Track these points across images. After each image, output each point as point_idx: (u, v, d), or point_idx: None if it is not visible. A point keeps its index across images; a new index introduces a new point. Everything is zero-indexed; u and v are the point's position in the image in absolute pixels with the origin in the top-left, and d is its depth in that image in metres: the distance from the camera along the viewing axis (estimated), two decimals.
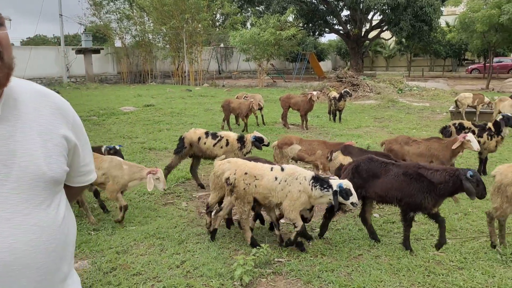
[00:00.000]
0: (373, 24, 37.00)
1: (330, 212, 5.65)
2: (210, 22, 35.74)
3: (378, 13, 34.94)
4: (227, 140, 7.61)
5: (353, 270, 4.86)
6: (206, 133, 7.75)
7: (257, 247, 5.23)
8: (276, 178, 5.12)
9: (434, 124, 14.31)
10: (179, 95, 22.74)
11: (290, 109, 14.46)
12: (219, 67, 41.51)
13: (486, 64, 34.54)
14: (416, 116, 16.30)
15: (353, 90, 20.72)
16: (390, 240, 5.58)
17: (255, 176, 5.21)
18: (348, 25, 36.69)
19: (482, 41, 27.64)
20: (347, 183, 4.94)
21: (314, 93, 14.04)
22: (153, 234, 5.83)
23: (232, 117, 14.22)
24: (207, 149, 7.65)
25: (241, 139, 7.64)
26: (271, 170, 5.18)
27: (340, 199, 4.88)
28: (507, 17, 23.19)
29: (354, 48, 36.38)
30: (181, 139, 7.87)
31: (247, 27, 35.65)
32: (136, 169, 6.11)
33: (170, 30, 31.79)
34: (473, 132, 8.72)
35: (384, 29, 35.53)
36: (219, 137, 7.67)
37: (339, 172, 6.55)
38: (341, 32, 37.48)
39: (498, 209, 5.27)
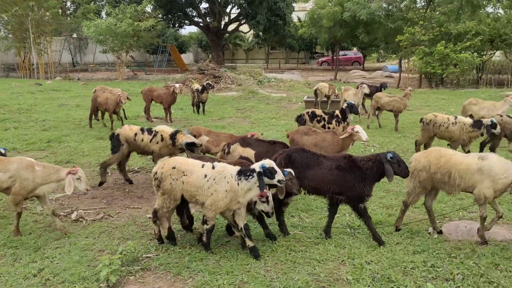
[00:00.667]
0: (231, 17, 37.95)
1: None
2: (60, 10, 33.01)
3: (236, 7, 35.94)
4: (161, 135, 7.48)
5: (221, 257, 5.00)
6: (142, 129, 7.66)
7: (173, 241, 5.25)
8: (205, 176, 4.87)
9: (291, 113, 15.30)
10: (27, 90, 20.65)
11: (153, 102, 14.15)
12: (72, 59, 38.62)
13: (334, 57, 37.91)
14: (275, 106, 17.24)
15: (215, 82, 21.08)
16: (255, 224, 5.82)
17: (183, 172, 4.98)
18: (208, 18, 37.09)
19: (329, 36, 30.26)
20: (269, 162, 4.81)
21: (177, 85, 13.96)
22: (3, 243, 5.27)
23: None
24: (145, 145, 7.56)
25: (173, 136, 7.43)
26: (202, 167, 4.96)
27: (266, 180, 4.75)
28: (348, 14, 25.72)
29: (214, 41, 36.94)
30: (115, 137, 7.55)
31: (103, 17, 33.77)
32: (52, 170, 5.47)
33: (13, 18, 28.58)
34: (324, 119, 9.59)
35: (242, 22, 36.70)
36: (154, 132, 7.57)
37: None
38: (201, 24, 37.71)
39: (411, 194, 5.75)
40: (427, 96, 19.63)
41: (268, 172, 4.72)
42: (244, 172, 4.78)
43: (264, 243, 5.30)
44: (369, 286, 4.41)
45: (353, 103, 9.87)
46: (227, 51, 48.17)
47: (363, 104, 15.09)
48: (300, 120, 9.60)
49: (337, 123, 9.60)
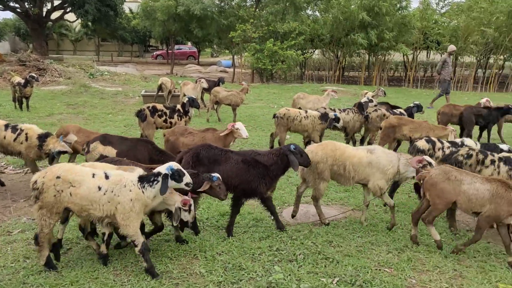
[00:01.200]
0: (55, 4, 34.64)
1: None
2: None
3: None
4: (26, 134, 6.72)
5: (63, 267, 4.57)
6: (6, 126, 6.85)
7: (51, 269, 4.43)
8: (99, 188, 4.23)
9: (129, 108, 14.72)
10: None
11: None
12: None
13: (169, 51, 37.61)
14: (111, 101, 16.37)
15: (39, 75, 19.01)
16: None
17: (70, 182, 4.20)
18: (26, 3, 33.18)
19: (163, 29, 29.88)
20: (176, 164, 4.44)
21: None
22: None
23: None
24: (8, 144, 6.75)
25: (41, 138, 6.69)
26: (93, 176, 4.28)
27: (173, 183, 4.37)
28: (183, 8, 25.75)
29: (36, 30, 33.25)
30: None
31: None
32: None
33: None
34: (165, 114, 9.45)
35: (67, 10, 33.81)
36: (18, 131, 6.77)
37: None
38: (18, 10, 33.56)
39: (315, 187, 5.86)
40: (260, 91, 20.87)
41: (176, 175, 4.37)
42: (147, 179, 4.35)
43: (111, 249, 5.00)
44: (221, 276, 4.51)
45: (194, 97, 9.95)
46: (51, 41, 43.94)
47: (202, 98, 15.32)
48: (140, 115, 9.28)
49: (179, 118, 9.56)
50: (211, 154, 5.48)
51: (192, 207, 4.68)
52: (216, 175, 4.91)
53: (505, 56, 27.15)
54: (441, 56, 30.96)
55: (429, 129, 8.63)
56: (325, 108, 10.35)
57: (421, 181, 5.30)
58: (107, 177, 4.31)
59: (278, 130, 9.70)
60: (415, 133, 8.56)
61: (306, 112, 9.58)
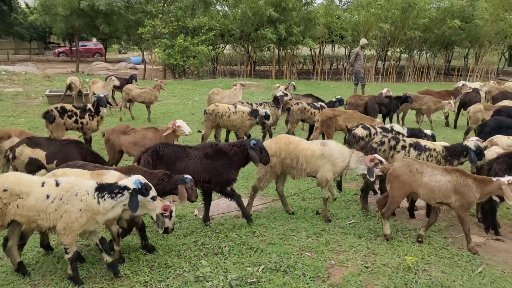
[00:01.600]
0: None
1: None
2: None
3: None
4: None
5: None
6: None
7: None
8: (48, 196, 3.95)
9: (32, 110, 13.79)
10: None
11: None
12: None
13: (73, 48, 35.63)
14: (11, 103, 15.18)
15: None
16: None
17: (18, 195, 3.94)
18: None
19: (66, 25, 28.26)
20: (142, 178, 4.17)
21: None
22: None
23: None
24: None
25: None
26: (42, 185, 4.00)
27: (140, 197, 4.11)
28: (87, 3, 24.52)
29: None
30: None
31: None
32: None
33: None
34: (76, 114, 9.01)
35: None
36: None
37: (29, 168, 5.68)
38: None
39: (262, 179, 5.97)
40: (173, 87, 20.58)
41: (144, 189, 4.12)
42: (110, 189, 4.07)
43: (31, 260, 4.72)
44: (148, 276, 4.47)
45: (102, 95, 9.52)
46: None
47: (113, 97, 14.79)
48: (48, 116, 8.75)
49: (90, 117, 9.16)
50: (171, 151, 5.50)
51: (173, 213, 4.45)
52: (189, 176, 4.85)
53: (400, 48, 29.36)
54: (345, 49, 32.80)
55: (360, 119, 9.15)
56: (242, 103, 10.55)
57: (385, 174, 5.54)
58: (57, 184, 4.05)
59: (205, 125, 9.73)
60: (348, 123, 9.00)
61: (235, 107, 9.60)
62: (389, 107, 11.76)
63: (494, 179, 5.06)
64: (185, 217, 6.05)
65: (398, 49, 29.23)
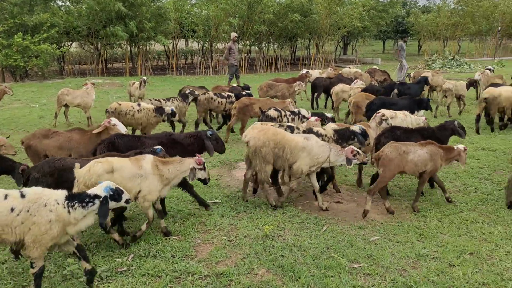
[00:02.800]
0: None
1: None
2: None
3: None
4: None
5: None
6: None
7: None
8: (12, 210, 3.70)
9: None
10: None
11: None
12: None
13: None
14: None
15: None
16: None
17: None
18: None
19: None
20: (112, 183, 4.07)
21: None
22: None
23: None
24: None
25: None
26: (5, 198, 3.73)
27: (113, 203, 4.02)
28: None
29: None
30: None
31: None
32: None
33: None
34: None
35: None
36: None
37: None
38: None
39: (261, 171, 6.00)
40: (16, 90, 18.71)
41: (116, 194, 4.01)
42: (80, 198, 3.88)
43: None
44: (10, 283, 4.29)
45: None
46: None
47: None
48: None
49: None
50: (126, 141, 5.62)
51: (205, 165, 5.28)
52: (159, 147, 5.15)
53: (250, 41, 30.93)
54: (198, 44, 33.33)
55: (273, 104, 9.85)
56: (150, 100, 10.69)
57: (375, 160, 6.19)
58: (22, 195, 3.79)
59: None
60: (264, 108, 9.40)
61: (139, 105, 9.39)
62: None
63: (455, 147, 6.35)
64: None
65: (248, 42, 30.73)
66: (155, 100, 10.66)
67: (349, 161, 6.11)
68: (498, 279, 4.51)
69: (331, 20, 30.55)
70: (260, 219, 5.89)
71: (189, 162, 5.20)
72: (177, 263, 4.71)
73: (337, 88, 12.62)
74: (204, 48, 31.06)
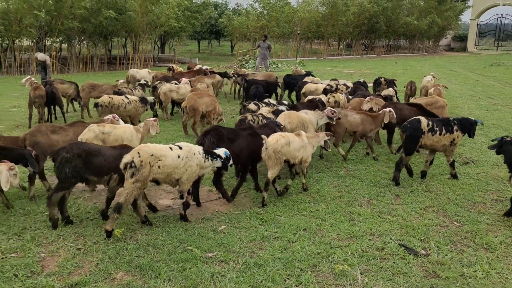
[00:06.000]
0: None
1: None
2: None
3: None
4: None
5: None
6: None
7: None
8: (178, 156, 5.55)
9: None
10: None
11: None
12: None
13: None
14: None
15: None
16: None
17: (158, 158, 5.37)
18: None
19: None
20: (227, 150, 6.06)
21: None
22: None
23: None
24: None
25: None
26: (171, 149, 5.56)
27: (226, 162, 5.99)
28: None
29: None
30: None
31: None
32: None
33: None
34: None
35: None
36: None
37: None
38: None
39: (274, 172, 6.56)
40: None
41: (228, 158, 5.94)
42: (211, 154, 5.90)
43: None
44: None
45: None
46: None
47: None
48: None
49: None
50: (228, 132, 6.69)
51: None
52: (279, 122, 7.43)
53: (60, 39, 28.57)
54: (1, 41, 29.32)
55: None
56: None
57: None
58: (180, 148, 5.57)
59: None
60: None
61: (127, 98, 10.14)
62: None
63: (381, 111, 8.95)
64: None
65: (58, 39, 28.34)
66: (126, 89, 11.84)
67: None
68: (328, 248, 5.30)
69: (148, 19, 30.23)
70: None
71: (323, 136, 7.23)
72: (22, 282, 4.28)
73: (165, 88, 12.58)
74: (4, 45, 27.50)
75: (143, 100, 10.40)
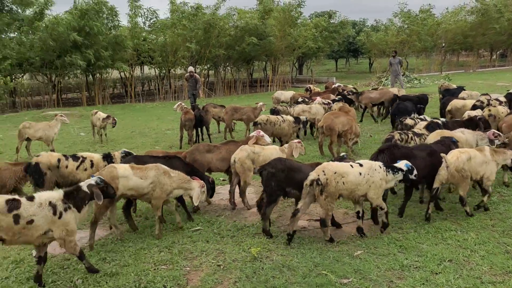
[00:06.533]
0: None
1: None
2: None
3: None
4: (91, 161, 7.05)
5: None
6: (65, 156, 7.01)
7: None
8: (360, 174, 5.81)
9: None
10: None
11: None
12: None
13: None
14: None
15: None
16: None
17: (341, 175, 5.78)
18: None
19: None
20: (408, 162, 6.18)
21: None
22: None
23: None
24: (70, 173, 6.87)
25: (107, 157, 7.19)
26: (352, 167, 5.87)
27: (407, 176, 6.08)
28: None
29: None
30: (35, 167, 6.72)
31: None
32: (184, 178, 6.16)
33: None
34: None
35: None
36: (80, 158, 7.03)
37: None
38: None
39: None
40: None
41: (411, 170, 5.95)
42: (392, 168, 6.00)
43: None
44: None
45: None
46: None
47: None
48: None
49: None
50: (402, 151, 6.63)
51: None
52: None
53: (207, 66, 31.15)
54: (155, 70, 33.13)
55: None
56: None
57: None
58: (360, 165, 5.82)
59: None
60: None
61: (282, 117, 11.14)
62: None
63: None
64: (24, 260, 5.63)
65: (206, 67, 30.94)
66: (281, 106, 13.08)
67: (492, 142, 7.51)
68: (478, 283, 4.76)
69: (286, 42, 31.32)
70: (245, 242, 5.94)
71: (511, 154, 6.84)
72: None
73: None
74: (161, 74, 30.96)
75: (296, 119, 11.13)
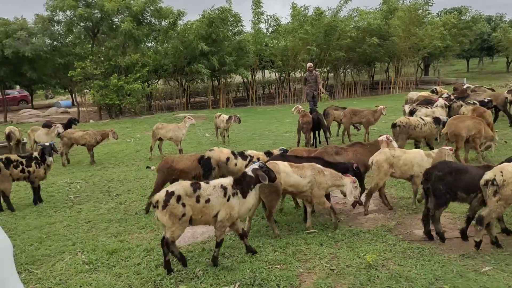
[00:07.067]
0: None
1: None
2: None
3: None
4: (258, 158, 7.58)
5: None
6: (233, 153, 7.71)
7: None
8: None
9: None
10: None
11: None
12: None
13: None
14: None
15: None
16: None
17: None
18: None
19: None
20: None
21: None
22: None
23: None
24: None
25: (268, 154, 7.78)
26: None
27: None
28: (11, 50, 23.77)
29: None
30: (207, 161, 7.51)
31: None
32: (337, 176, 6.37)
33: None
34: (22, 163, 8.82)
35: None
36: (248, 157, 7.66)
37: None
38: None
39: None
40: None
41: None
42: None
43: None
44: None
45: (47, 144, 9.32)
46: None
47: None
48: None
49: (37, 165, 9.01)
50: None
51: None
52: None
53: (327, 68, 31.02)
54: (275, 74, 34.01)
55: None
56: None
57: None
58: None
59: (400, 138, 10.29)
60: None
61: (422, 119, 10.45)
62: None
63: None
64: (153, 250, 6.18)
65: (325, 69, 30.84)
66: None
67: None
68: None
69: (411, 42, 29.81)
70: (360, 248, 5.79)
71: None
72: None
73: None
74: (281, 77, 31.61)
75: (436, 120, 10.54)
